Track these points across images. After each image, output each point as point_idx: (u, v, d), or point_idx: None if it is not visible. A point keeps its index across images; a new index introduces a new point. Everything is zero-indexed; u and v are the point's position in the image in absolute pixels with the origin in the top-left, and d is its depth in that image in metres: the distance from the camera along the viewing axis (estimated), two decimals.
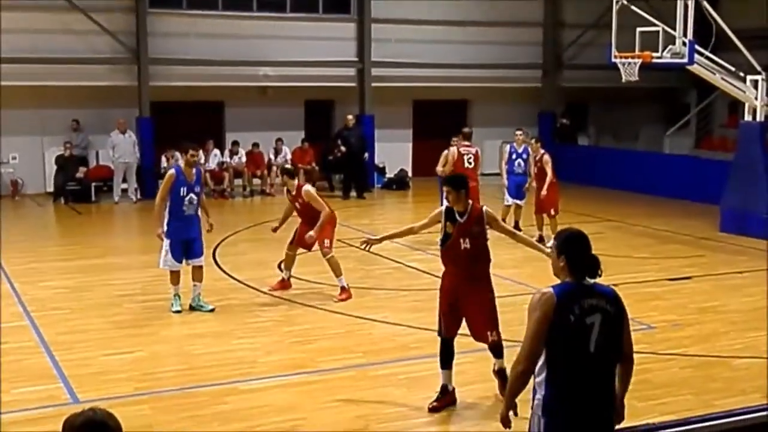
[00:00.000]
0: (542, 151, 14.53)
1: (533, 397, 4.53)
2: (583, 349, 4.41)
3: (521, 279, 11.62)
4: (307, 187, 11.26)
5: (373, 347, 9.10)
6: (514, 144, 15.43)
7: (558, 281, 4.60)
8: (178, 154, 19.99)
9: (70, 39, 19.15)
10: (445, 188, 7.51)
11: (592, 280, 4.59)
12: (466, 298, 7.38)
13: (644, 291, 11.52)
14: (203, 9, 20.74)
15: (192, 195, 10.36)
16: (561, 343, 4.40)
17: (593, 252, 4.61)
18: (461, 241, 7.28)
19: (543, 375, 4.47)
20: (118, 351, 8.90)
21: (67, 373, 8.20)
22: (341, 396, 7.68)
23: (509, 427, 4.61)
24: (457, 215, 7.33)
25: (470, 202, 7.42)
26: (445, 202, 7.71)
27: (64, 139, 19.54)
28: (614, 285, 12.28)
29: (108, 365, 8.48)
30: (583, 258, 4.56)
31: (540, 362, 4.46)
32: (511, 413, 4.60)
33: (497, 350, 7.58)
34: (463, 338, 8.39)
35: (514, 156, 15.30)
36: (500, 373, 7.53)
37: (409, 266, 12.83)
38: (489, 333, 7.44)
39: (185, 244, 10.33)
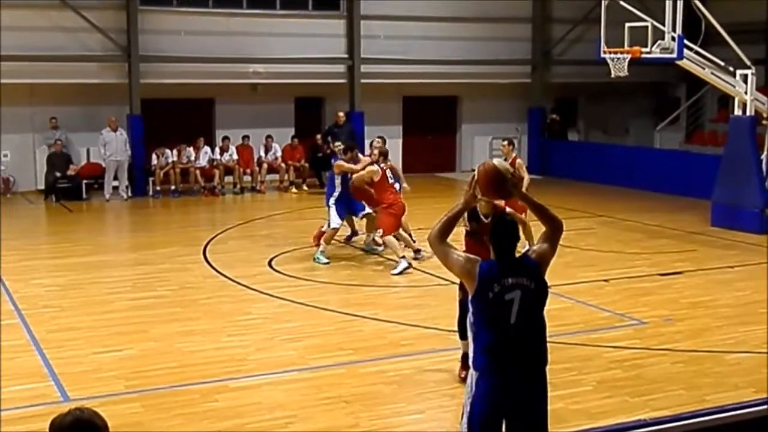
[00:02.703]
0: (514, 154, 13.64)
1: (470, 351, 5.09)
2: (504, 321, 4.88)
3: None
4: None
5: (363, 344, 9.08)
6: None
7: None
8: (168, 151, 20.04)
9: (60, 36, 19.08)
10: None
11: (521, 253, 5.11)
12: None
13: (635, 286, 11.53)
14: (194, 6, 20.70)
15: None
16: (482, 314, 4.94)
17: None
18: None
19: (473, 334, 5.01)
20: (108, 349, 8.86)
21: (58, 371, 8.17)
22: (331, 393, 7.66)
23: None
24: (482, 217, 7.77)
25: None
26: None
27: (55, 137, 19.41)
28: (604, 280, 12.40)
29: (98, 363, 8.45)
30: (503, 244, 4.98)
31: (470, 319, 5.03)
32: None
33: None
34: (456, 334, 8.39)
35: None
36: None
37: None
38: None
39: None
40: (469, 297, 5.01)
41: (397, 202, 12.45)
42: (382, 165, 12.54)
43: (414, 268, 12.39)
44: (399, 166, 14.09)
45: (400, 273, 11.93)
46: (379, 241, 12.80)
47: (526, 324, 4.92)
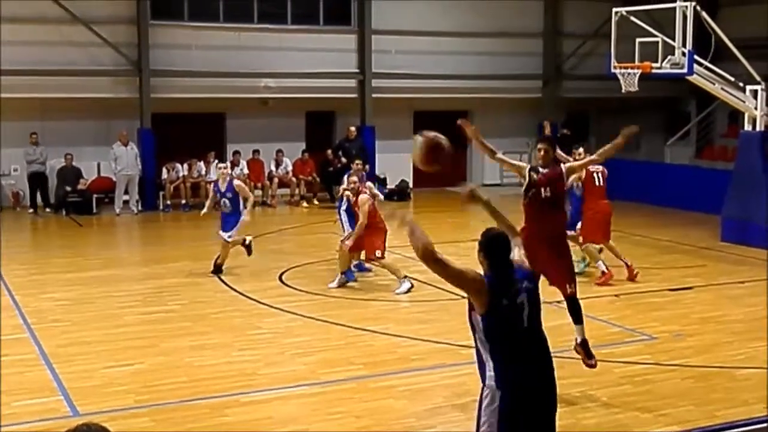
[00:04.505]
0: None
1: (484, 372, 5.03)
2: (519, 326, 4.99)
3: None
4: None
5: (373, 359, 9.08)
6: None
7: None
8: (179, 166, 20.11)
9: (71, 51, 19.19)
10: (540, 145, 8.20)
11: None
12: (545, 250, 7.65)
13: (646, 301, 11.51)
14: (205, 21, 20.78)
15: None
16: (499, 325, 4.96)
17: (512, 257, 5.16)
18: (543, 189, 7.86)
19: (488, 351, 4.99)
20: (118, 363, 8.89)
21: (68, 386, 8.19)
22: (342, 408, 7.66)
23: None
24: (540, 168, 8.01)
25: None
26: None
27: (36, 153, 19.36)
28: (615, 295, 12.37)
29: (108, 377, 8.47)
30: (499, 256, 5.06)
31: (483, 338, 5.00)
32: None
33: (575, 307, 7.92)
34: (467, 349, 8.38)
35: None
36: (583, 344, 8.00)
37: (410, 277, 12.80)
38: (567, 284, 7.84)
39: None
40: (480, 315, 4.95)
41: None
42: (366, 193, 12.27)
43: (425, 283, 12.40)
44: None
45: (407, 292, 11.82)
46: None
47: (536, 326, 5.08)
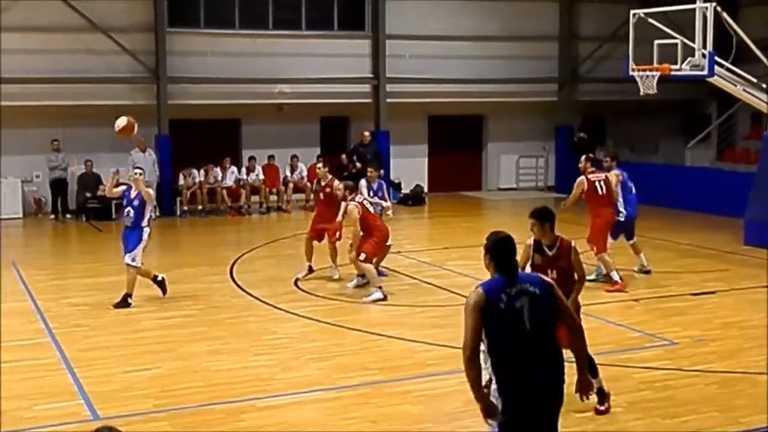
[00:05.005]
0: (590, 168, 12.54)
1: (489, 384, 5.06)
2: (520, 329, 4.98)
3: None
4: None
5: (389, 364, 9.03)
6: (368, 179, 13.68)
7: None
8: (195, 171, 20.16)
9: (90, 59, 19.31)
10: (530, 221, 7.39)
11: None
12: None
13: (667, 306, 11.40)
14: (220, 27, 20.87)
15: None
16: (497, 329, 4.98)
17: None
18: (548, 272, 7.20)
19: (489, 364, 5.03)
20: (137, 368, 8.89)
21: (88, 390, 8.20)
22: (357, 413, 7.62)
23: (495, 417, 5.00)
24: (545, 248, 7.42)
25: (558, 236, 7.44)
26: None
27: (58, 159, 19.49)
28: (635, 300, 12.19)
29: (127, 382, 8.47)
30: (504, 258, 5.12)
31: (484, 350, 5.01)
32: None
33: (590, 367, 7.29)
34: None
35: (371, 193, 13.28)
36: (599, 392, 7.39)
37: (425, 282, 12.76)
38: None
39: None
40: (483, 331, 4.96)
41: (379, 228, 12.13)
42: (357, 199, 12.11)
43: (440, 288, 12.35)
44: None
45: (374, 302, 11.56)
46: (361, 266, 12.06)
47: (541, 329, 5.02)
